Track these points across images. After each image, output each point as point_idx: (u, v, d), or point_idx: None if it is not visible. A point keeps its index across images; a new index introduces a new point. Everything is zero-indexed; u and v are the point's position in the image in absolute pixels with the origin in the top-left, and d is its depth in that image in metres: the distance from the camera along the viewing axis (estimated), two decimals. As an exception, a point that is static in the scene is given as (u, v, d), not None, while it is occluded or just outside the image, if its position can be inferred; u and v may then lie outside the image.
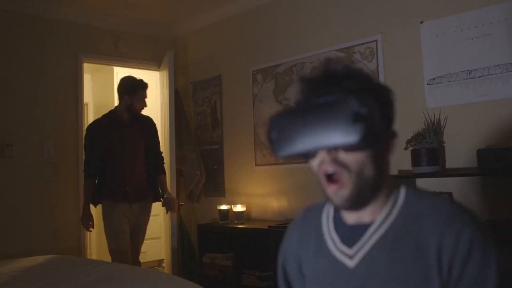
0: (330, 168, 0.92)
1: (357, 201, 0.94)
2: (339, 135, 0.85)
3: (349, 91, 0.88)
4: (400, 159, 2.71)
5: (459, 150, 2.66)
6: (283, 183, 3.61)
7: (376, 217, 0.96)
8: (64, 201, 3.90)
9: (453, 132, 2.69)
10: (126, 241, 3.24)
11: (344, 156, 0.91)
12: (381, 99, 0.92)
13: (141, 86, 3.39)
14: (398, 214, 0.95)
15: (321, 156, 0.93)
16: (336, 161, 0.92)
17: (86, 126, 4.03)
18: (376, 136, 0.88)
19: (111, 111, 3.46)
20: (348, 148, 0.90)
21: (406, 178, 2.62)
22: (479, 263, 0.88)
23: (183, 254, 4.11)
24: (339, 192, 0.93)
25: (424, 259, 0.90)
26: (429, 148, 2.53)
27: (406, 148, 2.62)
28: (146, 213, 3.38)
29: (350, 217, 0.99)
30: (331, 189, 0.94)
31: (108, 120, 3.39)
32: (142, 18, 4.31)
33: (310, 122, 0.89)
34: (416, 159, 2.57)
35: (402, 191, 0.98)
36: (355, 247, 0.97)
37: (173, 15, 4.28)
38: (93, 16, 4.10)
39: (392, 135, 0.98)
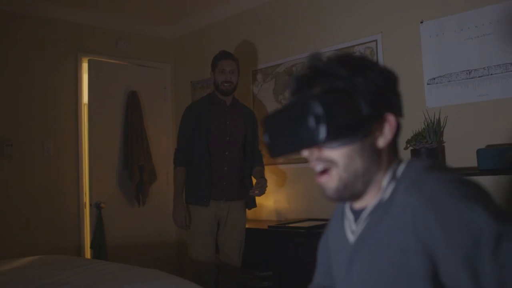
0: (317, 166, 0.92)
1: (345, 195, 0.92)
2: (307, 137, 0.84)
3: (317, 91, 0.88)
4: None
5: (458, 150, 2.66)
6: (283, 183, 3.62)
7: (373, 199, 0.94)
8: (64, 201, 3.90)
9: (453, 132, 2.69)
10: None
11: (329, 152, 0.90)
12: (368, 86, 0.87)
13: (218, 57, 3.01)
14: (388, 196, 0.91)
15: (305, 154, 0.92)
16: (321, 158, 0.91)
17: (86, 126, 4.05)
18: (352, 129, 0.86)
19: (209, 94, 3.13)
20: (328, 145, 0.88)
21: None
22: (453, 218, 0.77)
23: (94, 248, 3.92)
24: (327, 184, 0.92)
25: (402, 237, 0.84)
26: (429, 148, 2.53)
27: (406, 148, 2.62)
28: None
29: (355, 203, 0.98)
30: (319, 180, 0.93)
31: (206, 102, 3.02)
32: (142, 18, 4.31)
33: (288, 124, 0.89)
34: (416, 159, 2.56)
35: (400, 169, 0.92)
36: (358, 226, 0.97)
37: (173, 15, 4.29)
38: (93, 16, 4.10)
39: (382, 120, 0.91)
